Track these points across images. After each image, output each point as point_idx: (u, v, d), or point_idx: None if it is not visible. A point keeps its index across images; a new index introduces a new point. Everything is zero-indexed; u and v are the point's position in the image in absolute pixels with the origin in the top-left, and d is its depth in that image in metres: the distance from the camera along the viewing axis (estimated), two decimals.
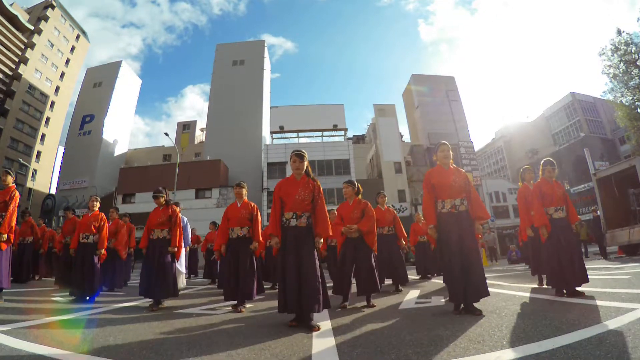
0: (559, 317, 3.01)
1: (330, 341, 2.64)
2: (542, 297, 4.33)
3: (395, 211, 6.73)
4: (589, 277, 4.47)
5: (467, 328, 2.79)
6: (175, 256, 5.13)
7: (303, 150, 3.71)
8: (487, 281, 3.59)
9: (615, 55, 24.03)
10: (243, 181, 5.31)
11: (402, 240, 6.54)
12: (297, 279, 3.30)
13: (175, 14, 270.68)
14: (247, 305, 4.83)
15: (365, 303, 4.49)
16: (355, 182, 5.07)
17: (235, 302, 4.55)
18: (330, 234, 3.64)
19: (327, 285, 3.58)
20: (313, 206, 3.62)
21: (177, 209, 5.39)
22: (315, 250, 3.47)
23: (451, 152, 3.95)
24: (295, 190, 3.57)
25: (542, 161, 5.04)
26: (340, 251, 4.80)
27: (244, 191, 5.09)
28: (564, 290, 4.33)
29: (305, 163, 3.67)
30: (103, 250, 5.80)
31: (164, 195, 5.30)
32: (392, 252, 6.26)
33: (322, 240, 3.54)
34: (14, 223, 5.15)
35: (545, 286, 5.24)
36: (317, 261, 3.42)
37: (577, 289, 4.26)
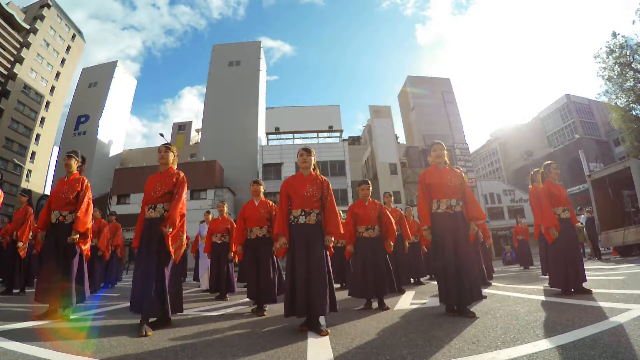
0: (553, 318, 3.02)
1: (326, 342, 2.63)
2: (536, 298, 4.34)
3: (401, 211, 6.70)
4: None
5: (462, 329, 2.80)
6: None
7: (310, 147, 3.68)
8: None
9: (610, 57, 24.19)
10: (260, 179, 5.18)
11: (406, 241, 6.49)
12: (306, 280, 3.14)
13: (175, 17, 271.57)
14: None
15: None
16: (370, 182, 4.95)
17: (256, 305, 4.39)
18: (342, 232, 3.54)
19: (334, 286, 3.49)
20: (322, 203, 3.50)
21: None
22: (325, 250, 3.32)
23: (445, 152, 3.92)
24: (303, 187, 3.45)
25: (545, 164, 5.12)
26: (354, 252, 4.67)
27: (262, 188, 4.88)
28: (572, 289, 4.45)
29: (313, 159, 3.60)
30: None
31: None
32: (396, 253, 6.22)
33: (332, 238, 3.42)
34: None
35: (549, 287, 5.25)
36: (326, 262, 3.27)
37: (583, 285, 4.46)
